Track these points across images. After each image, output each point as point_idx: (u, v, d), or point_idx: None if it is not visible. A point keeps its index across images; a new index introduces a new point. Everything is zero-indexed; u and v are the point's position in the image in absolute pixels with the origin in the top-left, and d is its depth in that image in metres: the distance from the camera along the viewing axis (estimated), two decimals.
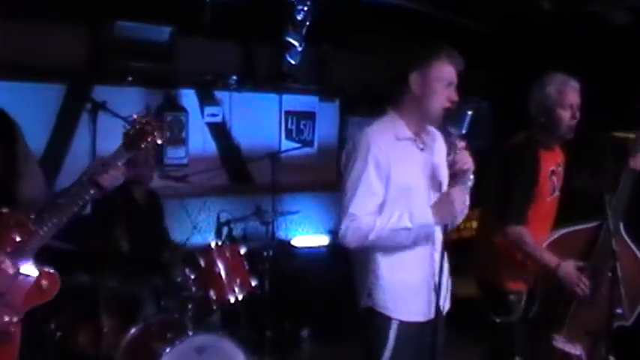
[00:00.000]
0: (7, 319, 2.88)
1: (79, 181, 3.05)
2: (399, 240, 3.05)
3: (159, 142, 3.14)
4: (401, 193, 3.08)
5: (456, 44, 3.17)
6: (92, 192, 3.01)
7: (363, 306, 3.19)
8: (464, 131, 3.02)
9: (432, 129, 3.27)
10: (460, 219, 3.23)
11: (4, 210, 2.95)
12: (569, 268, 3.74)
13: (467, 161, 3.04)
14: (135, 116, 3.15)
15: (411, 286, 3.15)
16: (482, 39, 6.32)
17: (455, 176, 3.06)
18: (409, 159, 3.14)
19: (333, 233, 6.94)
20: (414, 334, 3.15)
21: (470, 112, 3.01)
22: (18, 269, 2.92)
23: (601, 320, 3.78)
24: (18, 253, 2.92)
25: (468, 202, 3.16)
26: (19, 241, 2.93)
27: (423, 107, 3.11)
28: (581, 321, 3.88)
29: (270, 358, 5.20)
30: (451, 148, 3.03)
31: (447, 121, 3.08)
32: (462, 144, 3.02)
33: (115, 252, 4.69)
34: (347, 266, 3.31)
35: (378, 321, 3.15)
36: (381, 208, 3.07)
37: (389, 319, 3.14)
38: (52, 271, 3.00)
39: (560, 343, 3.88)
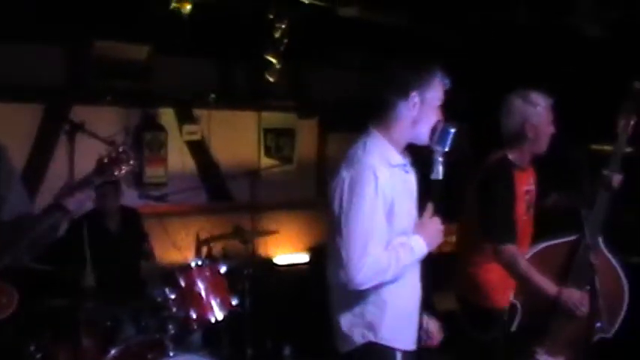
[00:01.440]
0: None
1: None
2: (402, 273, 2.92)
3: (124, 173, 3.12)
4: (401, 224, 2.92)
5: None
6: (57, 215, 3.01)
7: (360, 342, 2.95)
8: (447, 149, 2.94)
9: None
10: None
11: None
12: (571, 293, 3.77)
13: None
14: (113, 141, 3.14)
15: (410, 313, 3.02)
16: (456, 55, 6.34)
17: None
18: (403, 187, 2.97)
19: (314, 250, 6.93)
20: None
21: (453, 130, 2.94)
22: None
23: (582, 332, 3.79)
24: None
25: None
26: None
27: (417, 128, 2.96)
28: (563, 334, 3.89)
29: None
30: (433, 166, 2.94)
31: (431, 138, 2.97)
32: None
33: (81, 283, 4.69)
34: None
35: (383, 355, 2.94)
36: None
37: (394, 351, 2.95)
38: (10, 287, 3.02)
39: (543, 356, 3.90)
